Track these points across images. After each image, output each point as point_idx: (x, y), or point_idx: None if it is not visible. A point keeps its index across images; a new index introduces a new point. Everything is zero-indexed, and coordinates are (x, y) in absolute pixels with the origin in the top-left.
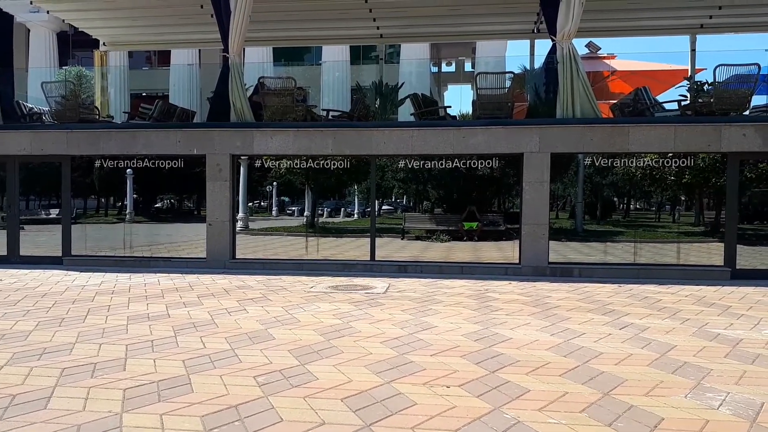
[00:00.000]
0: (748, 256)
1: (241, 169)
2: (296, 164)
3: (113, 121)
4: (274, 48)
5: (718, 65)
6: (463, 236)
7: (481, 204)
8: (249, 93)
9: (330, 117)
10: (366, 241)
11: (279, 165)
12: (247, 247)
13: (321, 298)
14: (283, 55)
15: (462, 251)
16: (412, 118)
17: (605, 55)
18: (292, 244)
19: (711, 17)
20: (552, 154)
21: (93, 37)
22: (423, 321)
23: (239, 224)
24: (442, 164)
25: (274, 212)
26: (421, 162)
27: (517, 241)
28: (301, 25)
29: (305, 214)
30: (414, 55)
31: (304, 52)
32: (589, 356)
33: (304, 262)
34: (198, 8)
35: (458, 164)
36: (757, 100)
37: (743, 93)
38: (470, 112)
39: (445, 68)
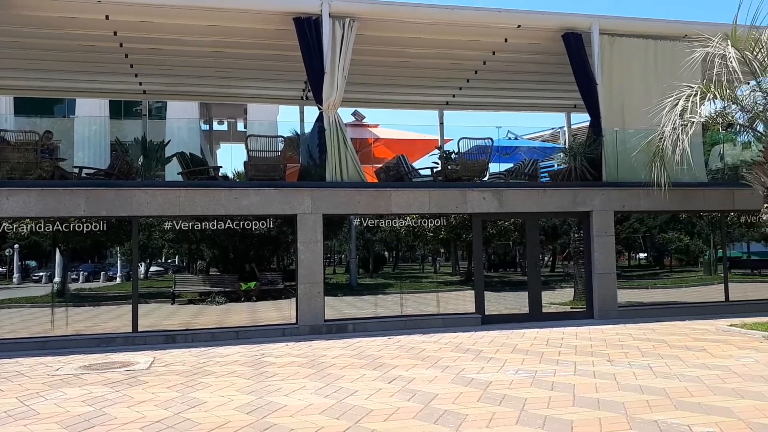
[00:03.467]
0: (495, 302)
1: None
2: (40, 227)
3: None
4: (16, 98)
5: (461, 138)
6: (241, 297)
7: (259, 262)
8: None
9: (83, 175)
10: (128, 309)
11: (18, 228)
12: None
13: (69, 381)
14: (29, 106)
15: (239, 314)
16: (181, 177)
17: (370, 123)
18: (36, 317)
19: (454, 96)
20: (324, 215)
21: None
22: (191, 397)
23: None
24: (215, 225)
25: (15, 279)
26: (192, 223)
27: (294, 300)
28: (52, 75)
29: (55, 280)
30: (182, 112)
31: (54, 103)
32: (361, 415)
33: (49, 339)
34: None
35: (232, 225)
36: (494, 167)
37: (482, 162)
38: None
39: (217, 126)
